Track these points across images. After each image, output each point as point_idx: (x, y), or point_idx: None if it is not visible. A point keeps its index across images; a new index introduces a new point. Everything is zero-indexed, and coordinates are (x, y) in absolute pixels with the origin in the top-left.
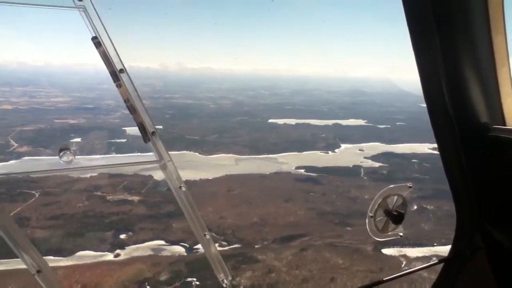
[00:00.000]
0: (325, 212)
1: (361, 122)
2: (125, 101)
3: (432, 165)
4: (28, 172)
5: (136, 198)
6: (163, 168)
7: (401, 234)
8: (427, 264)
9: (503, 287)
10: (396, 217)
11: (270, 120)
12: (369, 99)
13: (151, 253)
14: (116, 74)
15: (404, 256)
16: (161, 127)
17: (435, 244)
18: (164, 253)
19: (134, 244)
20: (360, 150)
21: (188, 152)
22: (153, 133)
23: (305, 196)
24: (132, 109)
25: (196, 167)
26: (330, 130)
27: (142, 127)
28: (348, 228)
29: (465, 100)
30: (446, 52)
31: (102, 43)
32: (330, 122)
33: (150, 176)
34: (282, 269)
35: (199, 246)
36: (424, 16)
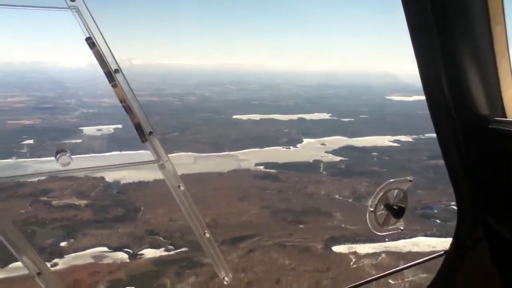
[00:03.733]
0: (279, 210)
1: (325, 115)
2: (120, 101)
3: (391, 158)
4: (25, 175)
5: (83, 202)
6: (162, 167)
7: (401, 228)
8: (428, 257)
9: (504, 278)
10: (397, 211)
11: (234, 116)
12: (336, 92)
13: (92, 261)
14: (111, 74)
15: (354, 253)
16: (120, 126)
17: (386, 239)
18: (106, 261)
19: (75, 252)
20: (322, 144)
21: (145, 151)
22: (150, 133)
23: (261, 194)
24: (128, 109)
25: (152, 167)
26: (294, 125)
27: (139, 127)
28: (301, 226)
29: (465, 92)
30: (445, 44)
31: (96, 43)
32: (295, 116)
33: (102, 178)
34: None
35: (143, 251)
36: (422, 7)
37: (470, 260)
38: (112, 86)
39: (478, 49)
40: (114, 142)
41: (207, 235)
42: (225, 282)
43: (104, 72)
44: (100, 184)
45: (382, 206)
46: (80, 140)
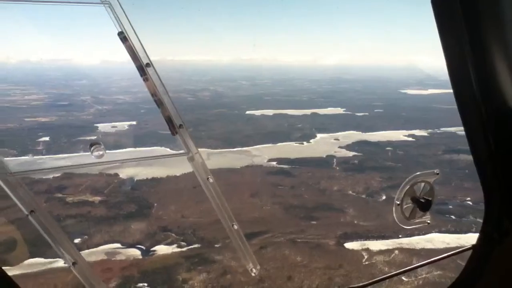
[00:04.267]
0: (292, 206)
1: (339, 110)
2: (152, 95)
3: (406, 153)
4: (61, 167)
5: (97, 199)
6: (191, 160)
7: (428, 221)
8: (455, 251)
9: None
10: (424, 204)
11: (247, 112)
12: (349, 86)
13: (104, 257)
14: (142, 68)
15: (367, 250)
16: (134, 123)
17: (400, 236)
18: (118, 257)
19: (88, 248)
20: (335, 139)
21: (159, 147)
22: (180, 126)
23: (273, 190)
24: (159, 103)
25: (165, 163)
26: (308, 120)
27: (169, 120)
28: (313, 222)
29: (494, 84)
30: (473, 35)
31: (128, 38)
32: (309, 111)
33: (116, 175)
34: (238, 269)
35: (156, 248)
36: None
37: (498, 254)
38: (144, 80)
39: (507, 40)
40: (129, 139)
41: (235, 227)
42: (252, 274)
43: (136, 66)
44: (114, 180)
45: (409, 199)
46: (95, 137)
